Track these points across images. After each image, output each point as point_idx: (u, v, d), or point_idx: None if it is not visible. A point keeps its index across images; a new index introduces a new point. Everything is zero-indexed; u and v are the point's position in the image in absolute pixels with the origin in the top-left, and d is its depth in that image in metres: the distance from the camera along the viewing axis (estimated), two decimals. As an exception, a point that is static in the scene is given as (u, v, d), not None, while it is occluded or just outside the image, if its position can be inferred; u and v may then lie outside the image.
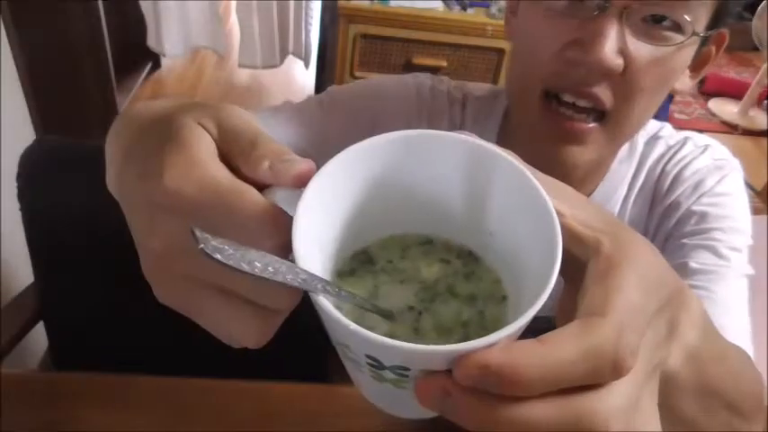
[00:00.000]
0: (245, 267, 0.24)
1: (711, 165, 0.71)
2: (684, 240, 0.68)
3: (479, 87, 0.77)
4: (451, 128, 0.75)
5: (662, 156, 0.73)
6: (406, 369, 0.25)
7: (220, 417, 0.75)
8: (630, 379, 0.25)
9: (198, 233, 0.23)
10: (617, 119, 0.59)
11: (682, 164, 0.72)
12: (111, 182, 0.36)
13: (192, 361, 0.84)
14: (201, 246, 0.23)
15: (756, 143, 3.11)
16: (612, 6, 0.53)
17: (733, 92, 3.31)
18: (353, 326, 0.24)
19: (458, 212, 0.30)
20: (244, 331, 0.29)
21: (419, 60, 2.03)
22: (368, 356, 0.25)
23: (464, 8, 2.02)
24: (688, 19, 0.54)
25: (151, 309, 1.12)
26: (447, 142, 0.29)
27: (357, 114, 0.72)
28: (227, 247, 0.23)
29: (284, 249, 0.27)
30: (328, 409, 0.78)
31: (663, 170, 0.72)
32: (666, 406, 0.36)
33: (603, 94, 0.57)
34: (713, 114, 3.26)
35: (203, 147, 0.29)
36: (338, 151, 0.28)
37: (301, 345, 1.03)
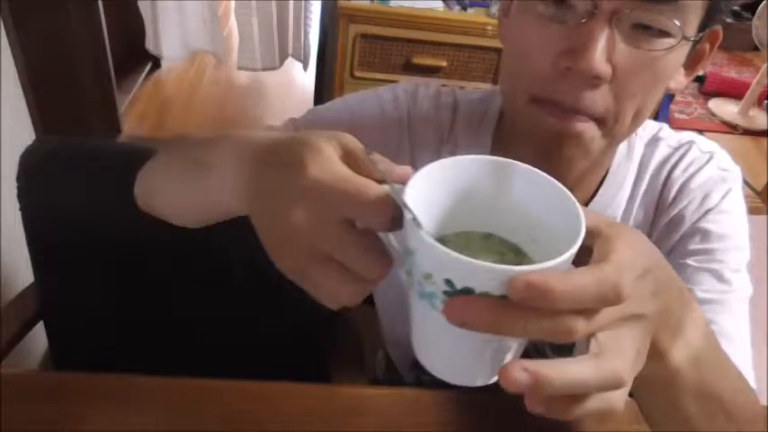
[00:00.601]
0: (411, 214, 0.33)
1: (717, 176, 0.71)
2: (689, 261, 0.68)
3: (472, 90, 0.77)
4: (439, 132, 0.74)
5: (665, 159, 0.73)
6: (472, 291, 0.31)
7: (220, 417, 0.75)
8: (615, 309, 0.34)
9: (394, 193, 0.34)
10: (610, 121, 0.59)
11: (688, 173, 0.71)
12: (217, 184, 0.46)
13: (192, 361, 0.84)
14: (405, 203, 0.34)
15: (756, 143, 3.10)
16: (601, 12, 0.52)
17: (733, 92, 3.31)
18: (448, 252, 0.31)
19: (513, 218, 0.39)
20: (345, 293, 0.37)
21: (419, 60, 2.03)
22: (446, 281, 0.32)
23: (464, 8, 2.02)
24: (678, 23, 0.54)
25: (150, 308, 1.12)
26: (507, 167, 0.38)
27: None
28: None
29: (393, 223, 0.35)
30: (328, 409, 0.78)
31: (668, 177, 0.72)
32: (672, 405, 0.46)
33: (592, 103, 0.56)
34: (713, 114, 3.26)
35: (333, 153, 0.38)
36: None
37: (301, 345, 1.04)
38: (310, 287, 0.38)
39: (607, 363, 0.33)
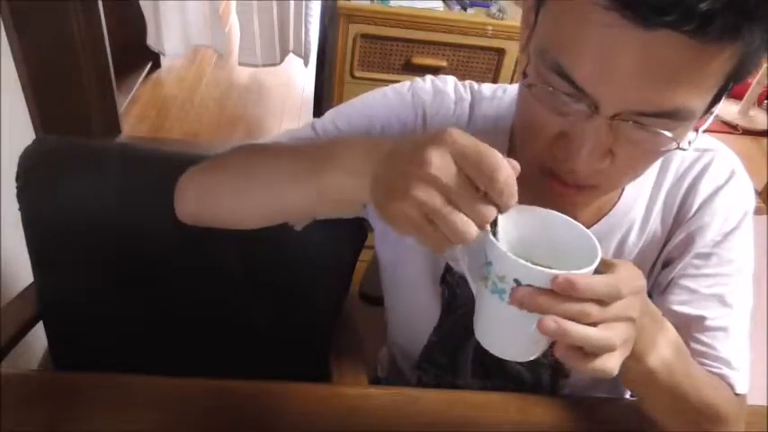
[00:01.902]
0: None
1: (737, 197, 0.71)
2: (701, 288, 0.70)
3: (488, 86, 0.76)
4: (458, 125, 0.73)
5: (690, 165, 0.71)
6: (531, 285, 0.47)
7: (220, 417, 0.75)
8: (617, 309, 0.49)
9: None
10: (609, 186, 0.61)
11: (712, 188, 0.71)
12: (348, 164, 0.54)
13: (191, 361, 0.84)
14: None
15: (756, 143, 3.11)
16: (599, 115, 0.50)
17: (733, 92, 3.31)
18: (517, 259, 0.47)
19: (557, 245, 0.53)
20: (463, 235, 0.46)
21: (419, 60, 2.03)
22: (515, 280, 0.47)
23: (464, 8, 2.02)
24: (670, 135, 0.51)
25: (151, 309, 1.12)
26: (559, 218, 0.53)
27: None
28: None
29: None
30: (328, 409, 0.78)
31: (692, 186, 0.71)
32: (654, 397, 0.66)
33: (594, 179, 0.57)
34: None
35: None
36: None
37: (302, 345, 1.04)
38: (421, 235, 0.48)
39: (606, 332, 0.48)
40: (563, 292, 0.46)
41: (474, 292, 0.53)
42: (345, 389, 0.85)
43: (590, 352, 0.48)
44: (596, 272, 0.49)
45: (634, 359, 0.56)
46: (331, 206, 0.59)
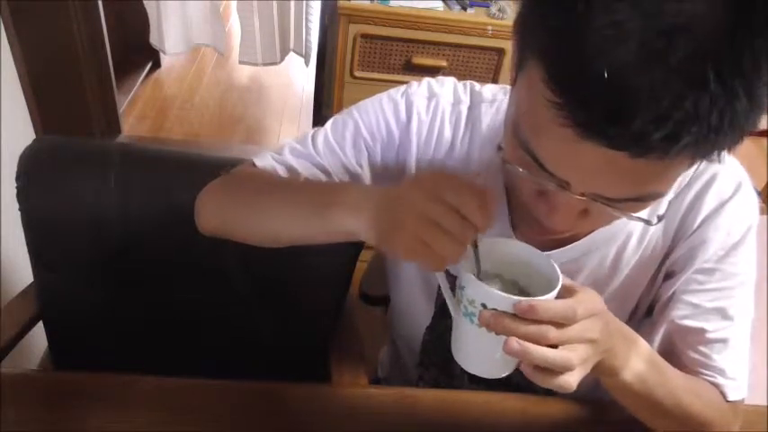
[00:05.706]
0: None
1: (742, 211, 0.70)
2: (704, 301, 0.71)
3: (489, 88, 0.76)
4: (452, 125, 0.74)
5: (695, 175, 0.70)
6: (496, 309, 0.52)
7: (220, 417, 0.75)
8: (576, 332, 0.53)
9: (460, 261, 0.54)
10: (593, 229, 0.67)
11: (717, 201, 0.69)
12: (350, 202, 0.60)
13: (191, 361, 0.84)
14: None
15: (756, 143, 3.11)
16: (571, 191, 0.53)
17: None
18: (484, 285, 0.53)
19: (527, 272, 0.59)
20: (449, 251, 0.52)
21: (419, 60, 2.03)
22: (482, 304, 0.53)
23: (464, 8, 2.02)
24: (635, 215, 0.56)
25: (151, 309, 1.12)
26: (527, 249, 0.59)
27: (348, 156, 0.74)
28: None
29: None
30: (328, 409, 0.78)
31: (696, 200, 0.70)
32: (633, 405, 0.69)
33: (571, 231, 0.61)
34: (713, 114, 3.25)
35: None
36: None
37: (302, 345, 1.04)
38: (420, 257, 0.53)
39: (565, 353, 0.52)
40: (524, 316, 0.51)
41: (452, 314, 0.58)
42: (345, 389, 0.85)
43: (551, 370, 0.52)
44: (558, 297, 0.53)
45: (609, 375, 0.62)
46: (333, 238, 0.63)
